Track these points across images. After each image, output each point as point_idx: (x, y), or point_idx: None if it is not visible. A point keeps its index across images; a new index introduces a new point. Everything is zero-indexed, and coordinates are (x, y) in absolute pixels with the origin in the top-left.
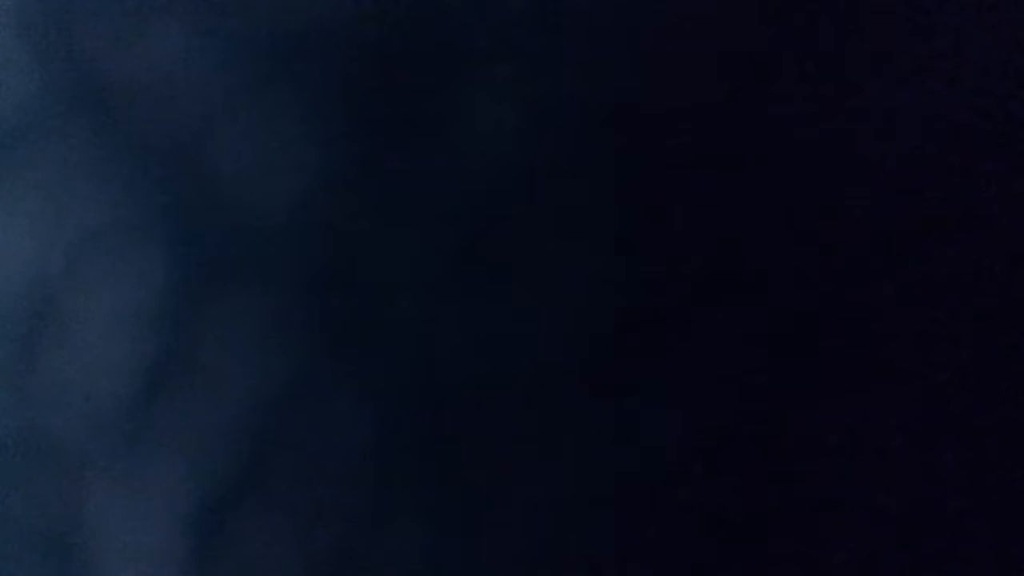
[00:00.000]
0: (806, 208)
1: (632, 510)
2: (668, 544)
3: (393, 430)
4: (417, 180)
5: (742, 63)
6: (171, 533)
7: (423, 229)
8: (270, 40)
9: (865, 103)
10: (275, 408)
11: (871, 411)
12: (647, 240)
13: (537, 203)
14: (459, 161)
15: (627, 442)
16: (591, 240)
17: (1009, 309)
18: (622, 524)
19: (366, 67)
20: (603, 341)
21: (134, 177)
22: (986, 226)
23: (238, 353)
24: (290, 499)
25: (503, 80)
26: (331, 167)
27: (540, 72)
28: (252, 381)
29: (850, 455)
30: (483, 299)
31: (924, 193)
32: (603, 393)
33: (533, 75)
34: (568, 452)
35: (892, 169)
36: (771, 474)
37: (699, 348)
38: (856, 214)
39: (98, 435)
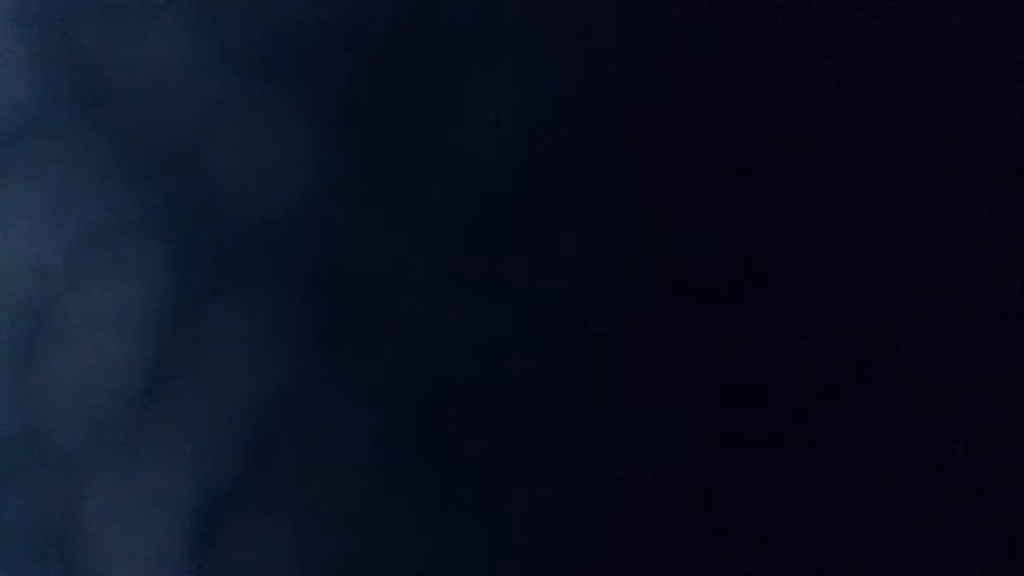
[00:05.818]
0: (806, 208)
1: (631, 512)
2: (668, 545)
3: (392, 430)
4: (417, 180)
5: (741, 62)
6: (171, 533)
7: (423, 229)
8: (270, 40)
9: (865, 103)
10: (275, 408)
11: (871, 412)
12: (647, 240)
13: (536, 203)
14: (459, 161)
15: (627, 444)
16: (590, 240)
17: (1009, 309)
18: (621, 526)
19: (366, 68)
20: (603, 342)
21: (134, 177)
22: (986, 226)
23: (238, 353)
24: (290, 499)
25: (502, 80)
26: (331, 167)
27: (539, 72)
28: (252, 381)
29: (850, 456)
30: (482, 299)
31: (925, 193)
32: (602, 394)
33: (532, 75)
34: (567, 453)
35: (892, 169)
36: (771, 475)
37: (699, 349)
38: (856, 214)
39: (98, 435)
